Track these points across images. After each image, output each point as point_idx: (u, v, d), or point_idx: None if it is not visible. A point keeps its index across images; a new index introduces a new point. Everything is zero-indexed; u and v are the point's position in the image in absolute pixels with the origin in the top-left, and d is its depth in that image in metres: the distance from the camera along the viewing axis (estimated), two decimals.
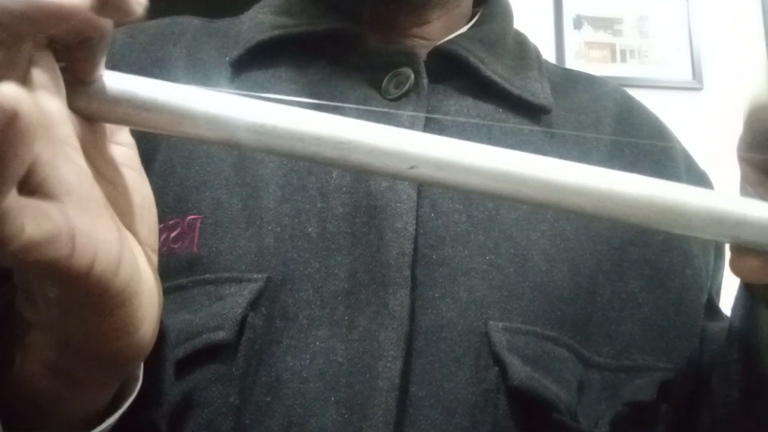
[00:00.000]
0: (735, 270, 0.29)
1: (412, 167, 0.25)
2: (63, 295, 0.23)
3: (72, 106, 0.24)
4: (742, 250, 0.28)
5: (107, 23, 0.23)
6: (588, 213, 0.26)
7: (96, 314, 0.24)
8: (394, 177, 0.26)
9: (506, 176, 0.26)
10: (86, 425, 0.28)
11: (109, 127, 0.27)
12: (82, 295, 0.23)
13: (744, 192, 0.31)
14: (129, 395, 0.30)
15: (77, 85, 0.24)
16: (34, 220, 0.20)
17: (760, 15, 1.73)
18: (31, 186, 0.21)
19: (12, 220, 0.19)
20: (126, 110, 0.25)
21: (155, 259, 0.29)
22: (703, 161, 0.52)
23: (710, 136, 1.52)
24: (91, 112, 0.25)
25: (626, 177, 0.26)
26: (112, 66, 0.26)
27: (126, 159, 0.27)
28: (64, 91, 0.23)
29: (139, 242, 0.27)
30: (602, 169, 0.26)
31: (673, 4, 1.71)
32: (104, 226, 0.23)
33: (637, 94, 0.55)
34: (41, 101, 0.22)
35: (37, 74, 0.22)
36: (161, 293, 0.28)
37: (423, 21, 0.49)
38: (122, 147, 0.28)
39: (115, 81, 0.25)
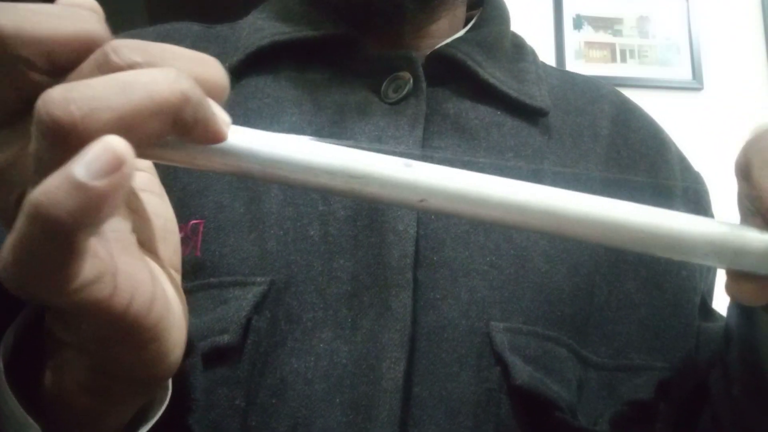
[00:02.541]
0: (730, 293, 0.29)
1: (422, 200, 0.26)
2: (97, 329, 0.23)
3: None
4: (737, 274, 0.28)
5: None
6: (592, 241, 0.28)
7: (129, 349, 0.24)
8: (405, 207, 0.27)
9: (513, 207, 0.27)
10: None
11: None
12: (116, 331, 0.23)
13: (741, 205, 0.31)
14: (159, 403, 0.30)
15: None
16: (89, 260, 0.20)
17: (760, 15, 1.73)
18: None
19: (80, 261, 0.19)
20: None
21: (179, 278, 0.29)
22: (702, 161, 0.52)
23: (710, 136, 1.53)
24: None
25: (628, 207, 0.27)
26: None
27: (146, 184, 0.27)
28: None
29: (164, 265, 0.27)
30: (606, 200, 0.27)
31: (673, 4, 1.71)
32: (139, 264, 0.23)
33: (637, 94, 0.55)
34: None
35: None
36: (187, 312, 0.28)
37: (423, 25, 0.49)
38: (143, 173, 0.28)
39: None
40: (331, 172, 0.25)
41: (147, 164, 0.28)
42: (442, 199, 0.26)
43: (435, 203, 0.26)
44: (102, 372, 0.25)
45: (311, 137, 0.26)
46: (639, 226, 0.27)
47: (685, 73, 1.67)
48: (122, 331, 0.23)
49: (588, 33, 1.68)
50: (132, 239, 0.24)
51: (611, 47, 1.68)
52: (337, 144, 0.26)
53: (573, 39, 1.67)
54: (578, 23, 1.68)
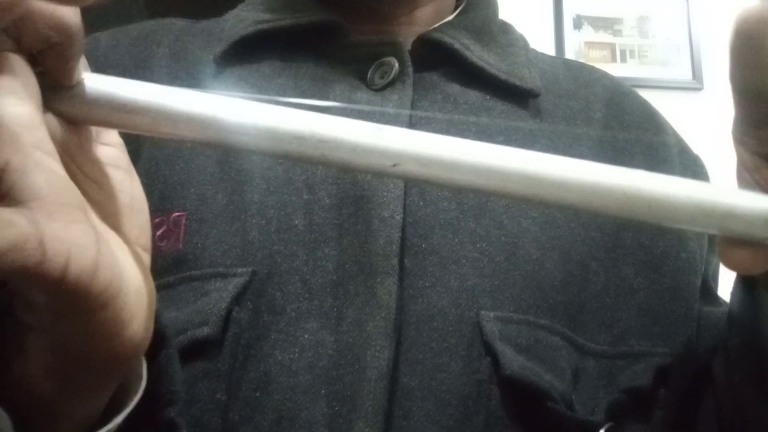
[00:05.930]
0: (725, 262, 0.28)
1: (395, 165, 0.25)
2: (46, 300, 0.24)
3: (53, 109, 0.24)
4: (731, 241, 0.27)
5: (71, 27, 0.23)
6: (573, 206, 0.26)
7: (79, 316, 0.24)
8: (378, 174, 0.26)
9: (490, 171, 0.26)
10: (90, 426, 0.28)
11: (95, 129, 0.27)
12: (62, 298, 0.23)
13: (740, 178, 0.31)
14: (135, 395, 0.29)
15: (57, 89, 0.24)
16: (3, 229, 0.20)
17: None
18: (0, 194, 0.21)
19: None
20: (107, 112, 0.25)
21: (147, 258, 0.29)
22: (702, 161, 0.52)
23: (710, 136, 1.52)
24: (73, 116, 0.25)
25: (610, 170, 0.26)
26: (97, 69, 0.26)
27: (114, 159, 0.27)
28: (37, 96, 0.23)
29: (129, 242, 0.27)
30: (586, 162, 0.26)
31: (673, 4, 1.71)
32: (78, 230, 0.23)
33: None
34: (6, 108, 0.22)
35: (3, 80, 0.22)
36: (153, 292, 0.28)
37: (409, 10, 0.49)
38: (110, 147, 0.28)
39: (95, 83, 0.25)
40: (300, 137, 0.25)
41: (115, 140, 0.28)
42: (415, 163, 0.25)
43: (409, 168, 0.25)
44: (62, 352, 0.25)
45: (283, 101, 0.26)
46: (620, 189, 0.26)
47: (685, 73, 1.67)
48: (65, 297, 0.23)
49: (588, 33, 1.68)
50: (77, 206, 0.23)
51: (611, 47, 1.68)
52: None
53: (573, 39, 1.67)
54: (578, 23, 1.68)
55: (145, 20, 0.52)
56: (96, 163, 0.26)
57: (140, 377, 0.30)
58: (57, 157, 0.23)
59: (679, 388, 0.41)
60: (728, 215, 0.26)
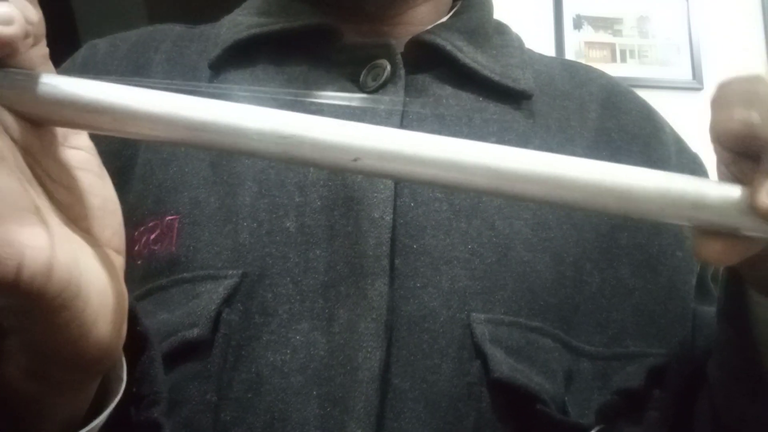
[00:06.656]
0: (698, 254, 0.28)
1: (355, 159, 0.25)
2: (6, 302, 0.24)
3: (15, 111, 0.24)
4: (704, 232, 0.27)
5: (11, 37, 0.24)
6: (538, 199, 0.26)
7: (40, 317, 0.24)
8: (340, 170, 0.26)
9: (452, 165, 0.26)
10: (72, 428, 0.29)
11: (63, 132, 0.27)
12: (19, 300, 0.23)
13: (719, 172, 0.31)
14: (115, 396, 0.30)
15: (20, 90, 0.25)
16: None
17: (760, 15, 1.73)
18: None
19: None
20: (70, 113, 0.25)
21: (120, 260, 0.29)
22: (701, 160, 0.52)
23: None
24: (36, 117, 0.25)
25: (574, 161, 0.26)
26: (95, 75, 0.26)
27: (83, 162, 0.28)
28: None
29: (99, 244, 0.28)
30: (551, 155, 0.26)
31: (673, 4, 1.71)
32: (29, 233, 0.23)
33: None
34: None
35: None
36: (122, 294, 0.28)
37: (402, 12, 0.49)
38: (79, 151, 0.28)
39: (58, 84, 0.25)
40: (261, 134, 0.25)
41: (85, 143, 0.28)
42: (376, 158, 0.25)
43: (370, 163, 0.25)
44: (34, 353, 0.26)
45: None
46: (586, 181, 0.26)
47: (685, 73, 1.67)
48: (22, 299, 0.23)
49: (588, 33, 1.68)
50: (29, 209, 0.24)
51: (611, 47, 1.68)
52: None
53: (573, 39, 1.67)
54: (578, 23, 1.68)
55: (145, 22, 0.52)
56: (63, 166, 0.27)
57: (121, 380, 0.30)
58: (12, 159, 0.24)
59: (675, 388, 0.41)
60: (698, 205, 0.26)
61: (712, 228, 0.27)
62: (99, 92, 0.25)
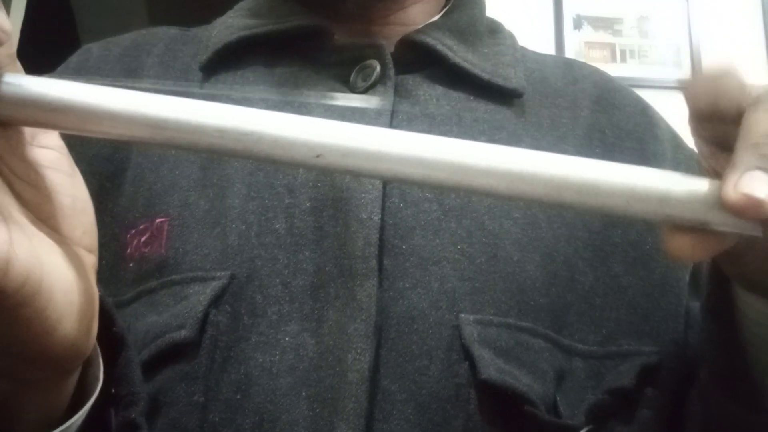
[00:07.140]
0: (669, 251, 0.27)
1: (318, 156, 0.25)
2: None
3: None
4: (673, 228, 0.27)
5: None
6: (502, 194, 0.26)
7: (1, 315, 0.24)
8: (302, 167, 0.26)
9: (413, 160, 0.26)
10: (49, 428, 0.29)
11: (31, 131, 0.27)
12: None
13: (700, 166, 0.31)
14: (91, 396, 0.30)
15: None
16: None
17: (760, 15, 1.73)
18: None
19: None
20: (33, 112, 0.25)
21: (92, 259, 0.29)
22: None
23: None
24: (2, 117, 0.25)
25: (537, 155, 0.26)
26: (88, 79, 0.26)
27: (53, 162, 0.28)
28: None
29: (68, 243, 0.28)
30: (514, 149, 0.26)
31: (673, 4, 1.71)
32: None
33: None
34: None
35: None
36: (92, 293, 0.28)
37: (393, 12, 0.49)
38: (48, 150, 0.28)
39: (21, 84, 0.25)
40: (222, 130, 0.25)
41: (55, 143, 0.28)
42: (338, 153, 0.25)
43: (332, 159, 0.25)
44: (2, 350, 0.26)
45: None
46: (550, 175, 0.25)
47: (685, 73, 1.67)
48: None
49: (588, 33, 1.68)
50: None
51: (611, 47, 1.68)
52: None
53: (573, 39, 1.67)
54: (578, 23, 1.68)
55: (145, 22, 0.53)
56: (30, 165, 0.27)
57: (98, 380, 0.30)
58: None
59: (668, 387, 0.41)
60: (665, 200, 0.26)
61: (682, 223, 0.26)
62: (63, 92, 0.25)
